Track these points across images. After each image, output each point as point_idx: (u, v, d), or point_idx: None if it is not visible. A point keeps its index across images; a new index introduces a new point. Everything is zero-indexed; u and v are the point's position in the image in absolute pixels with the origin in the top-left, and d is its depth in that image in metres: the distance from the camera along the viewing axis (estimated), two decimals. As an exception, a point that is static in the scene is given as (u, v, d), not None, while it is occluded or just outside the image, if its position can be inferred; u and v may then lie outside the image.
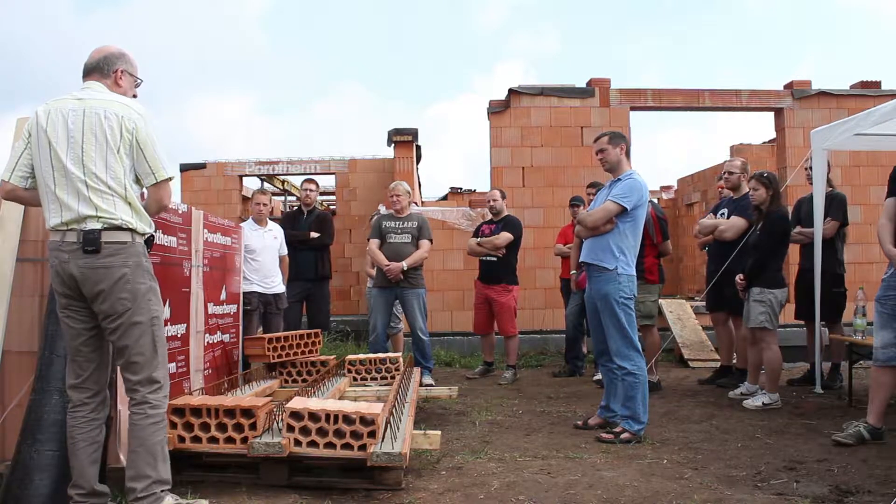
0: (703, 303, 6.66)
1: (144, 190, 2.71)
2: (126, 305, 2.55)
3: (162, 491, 2.56)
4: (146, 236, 2.67)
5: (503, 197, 6.47)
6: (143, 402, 2.59)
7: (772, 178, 4.95)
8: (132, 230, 2.59)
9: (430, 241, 6.02)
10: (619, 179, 4.17)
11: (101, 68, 2.73)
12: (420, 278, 5.94)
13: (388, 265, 5.73)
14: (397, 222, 5.96)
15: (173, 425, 3.00)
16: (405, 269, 5.72)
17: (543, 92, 8.14)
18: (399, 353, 5.03)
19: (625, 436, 3.95)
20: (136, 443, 2.57)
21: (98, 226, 2.53)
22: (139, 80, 2.83)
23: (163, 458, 2.60)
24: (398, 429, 3.18)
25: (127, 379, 2.62)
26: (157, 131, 2.67)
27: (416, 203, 7.62)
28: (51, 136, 2.55)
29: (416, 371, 5.08)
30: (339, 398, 4.09)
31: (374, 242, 5.94)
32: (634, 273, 4.12)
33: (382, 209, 8.32)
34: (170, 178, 2.69)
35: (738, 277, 4.96)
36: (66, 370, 2.68)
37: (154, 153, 2.62)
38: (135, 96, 2.81)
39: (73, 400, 2.64)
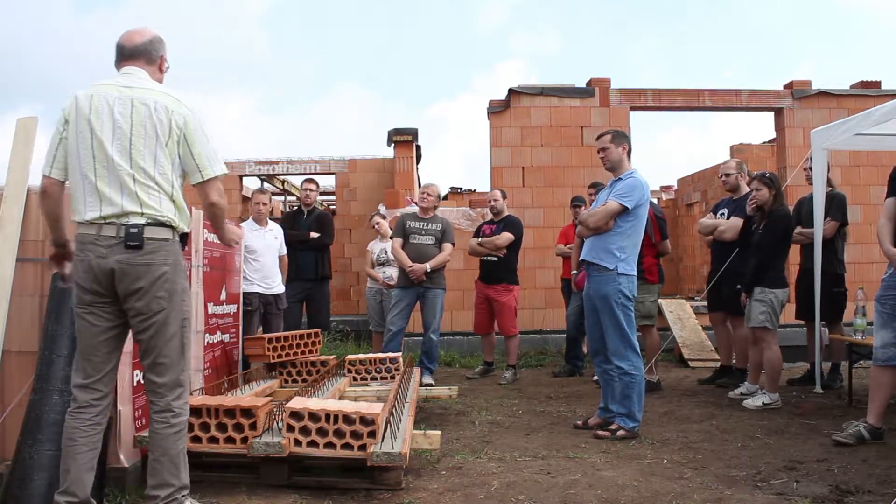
0: (704, 303, 6.67)
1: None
2: (162, 305, 2.46)
3: (183, 496, 2.54)
4: (182, 234, 2.57)
5: (504, 197, 6.47)
6: (166, 410, 2.51)
7: (774, 179, 4.96)
8: (173, 227, 2.51)
9: (453, 244, 6.03)
10: (620, 178, 4.17)
11: (149, 53, 2.58)
12: (443, 279, 5.95)
13: (411, 266, 5.74)
14: (422, 223, 5.95)
15: (173, 425, 3.00)
16: (428, 270, 5.73)
17: (543, 92, 8.14)
18: (399, 353, 5.03)
19: (621, 433, 3.99)
20: (159, 452, 2.50)
21: (142, 221, 2.42)
22: (168, 66, 2.70)
23: (184, 464, 2.56)
24: (398, 429, 3.17)
25: (151, 381, 2.51)
26: (207, 126, 2.54)
27: (415, 203, 7.62)
28: (94, 125, 2.41)
29: (416, 371, 5.08)
30: (339, 398, 4.09)
31: (398, 241, 5.93)
32: (635, 273, 4.12)
33: (382, 209, 8.33)
34: (216, 177, 2.54)
35: (741, 293, 4.98)
36: (72, 369, 2.54)
37: (201, 150, 2.50)
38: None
39: (80, 401, 2.48)
